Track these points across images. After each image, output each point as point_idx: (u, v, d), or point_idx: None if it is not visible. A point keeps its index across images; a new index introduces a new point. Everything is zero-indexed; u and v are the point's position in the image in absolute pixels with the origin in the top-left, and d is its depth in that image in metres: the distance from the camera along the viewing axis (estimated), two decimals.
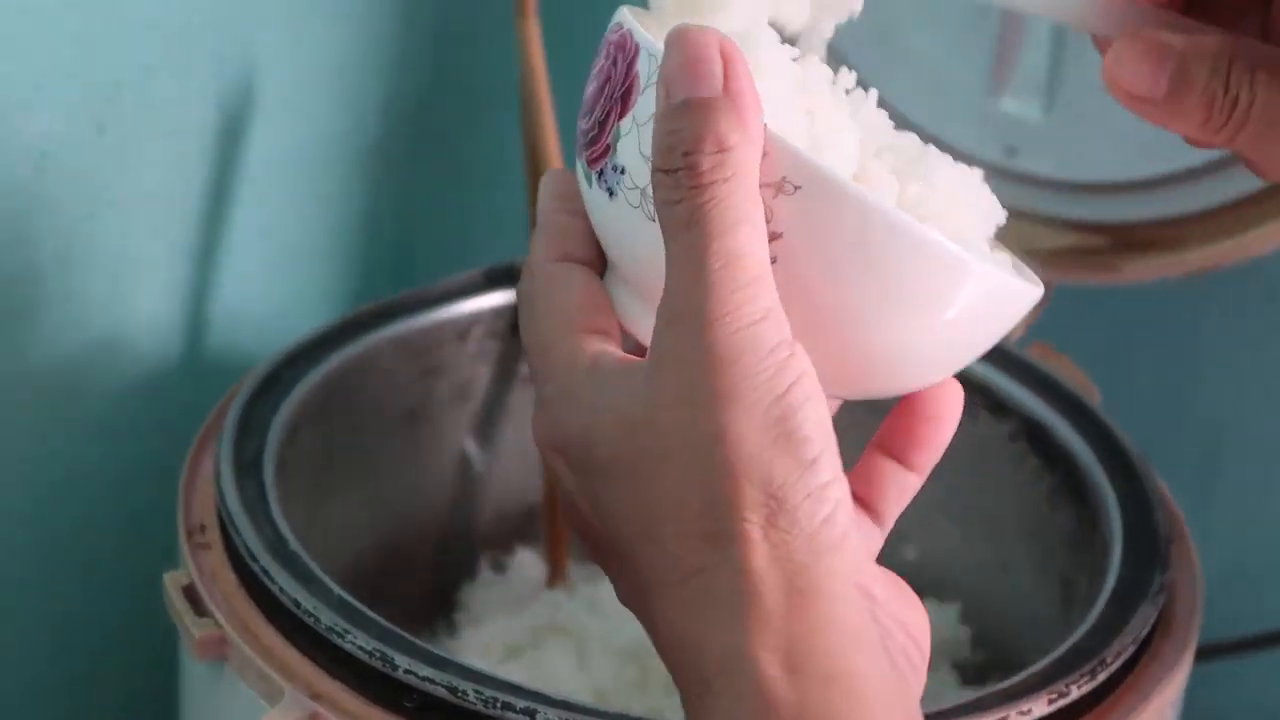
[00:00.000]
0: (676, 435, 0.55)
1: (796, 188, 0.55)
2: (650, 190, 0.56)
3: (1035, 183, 0.97)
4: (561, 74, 0.99)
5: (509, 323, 1.02)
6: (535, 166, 0.99)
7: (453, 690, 0.76)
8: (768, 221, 0.55)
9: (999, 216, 0.60)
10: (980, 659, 0.99)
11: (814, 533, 0.55)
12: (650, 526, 0.56)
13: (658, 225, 0.56)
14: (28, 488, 1.00)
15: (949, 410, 0.61)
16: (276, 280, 1.07)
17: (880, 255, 0.55)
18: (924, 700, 0.93)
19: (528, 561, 1.06)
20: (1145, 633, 0.82)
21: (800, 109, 0.58)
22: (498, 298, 1.02)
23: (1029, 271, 0.61)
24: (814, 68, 0.60)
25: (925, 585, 1.00)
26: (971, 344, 0.59)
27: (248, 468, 0.87)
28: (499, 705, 0.75)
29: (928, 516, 0.93)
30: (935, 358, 0.59)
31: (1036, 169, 0.97)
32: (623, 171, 0.58)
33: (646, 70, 0.57)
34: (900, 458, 0.62)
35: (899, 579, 0.59)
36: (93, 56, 0.93)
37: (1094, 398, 0.97)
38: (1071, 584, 0.93)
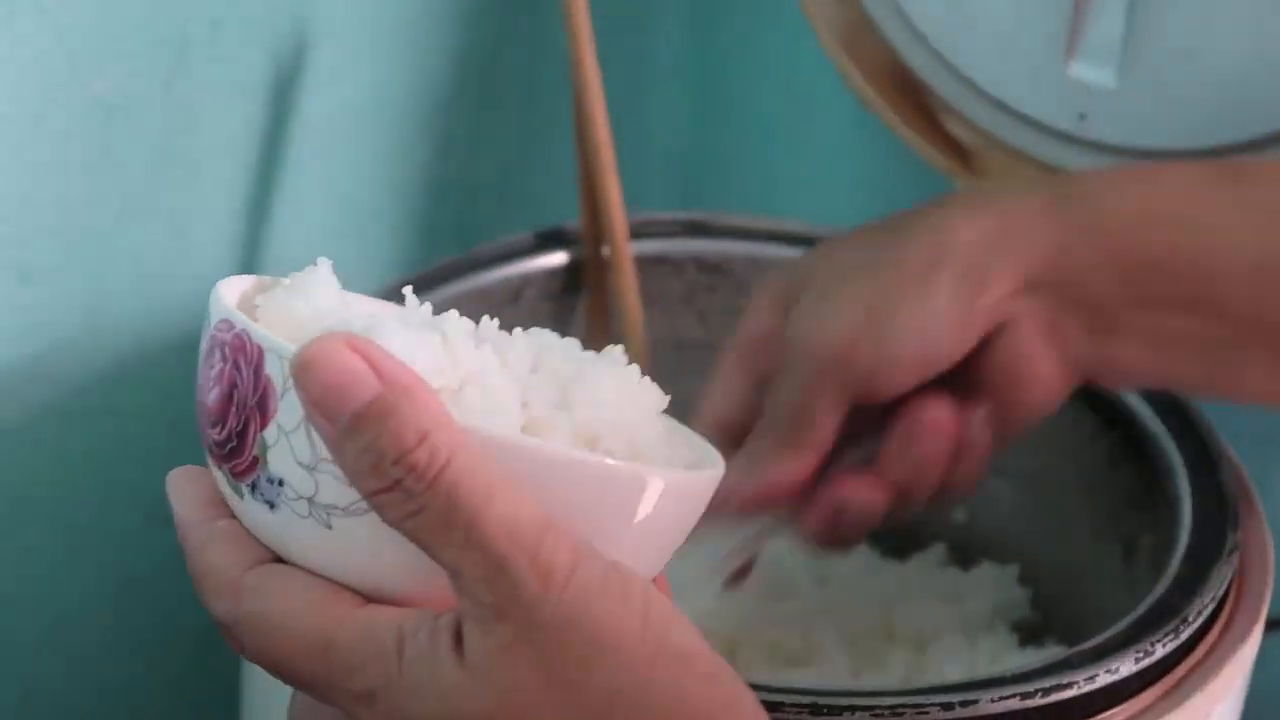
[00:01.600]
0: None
1: None
2: (320, 497, 0.53)
3: (1106, 150, 0.97)
4: (608, 35, 0.99)
5: (562, 283, 1.02)
6: (583, 131, 0.99)
7: None
8: None
9: (661, 402, 0.60)
10: (1037, 620, 0.99)
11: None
12: None
13: (335, 530, 0.53)
14: (87, 439, 1.00)
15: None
16: (338, 239, 1.07)
17: (577, 495, 0.54)
18: (983, 661, 0.93)
19: None
20: (1223, 591, 0.82)
21: (452, 384, 0.55)
22: (550, 259, 1.02)
23: (707, 446, 0.62)
24: (450, 326, 0.57)
25: (979, 547, 1.01)
26: (668, 542, 0.59)
27: None
28: None
29: (980, 480, 0.92)
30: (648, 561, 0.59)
31: (1107, 136, 0.97)
32: (281, 483, 0.54)
33: (279, 373, 0.53)
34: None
35: None
36: (160, 11, 0.93)
37: None
38: (1134, 544, 0.93)
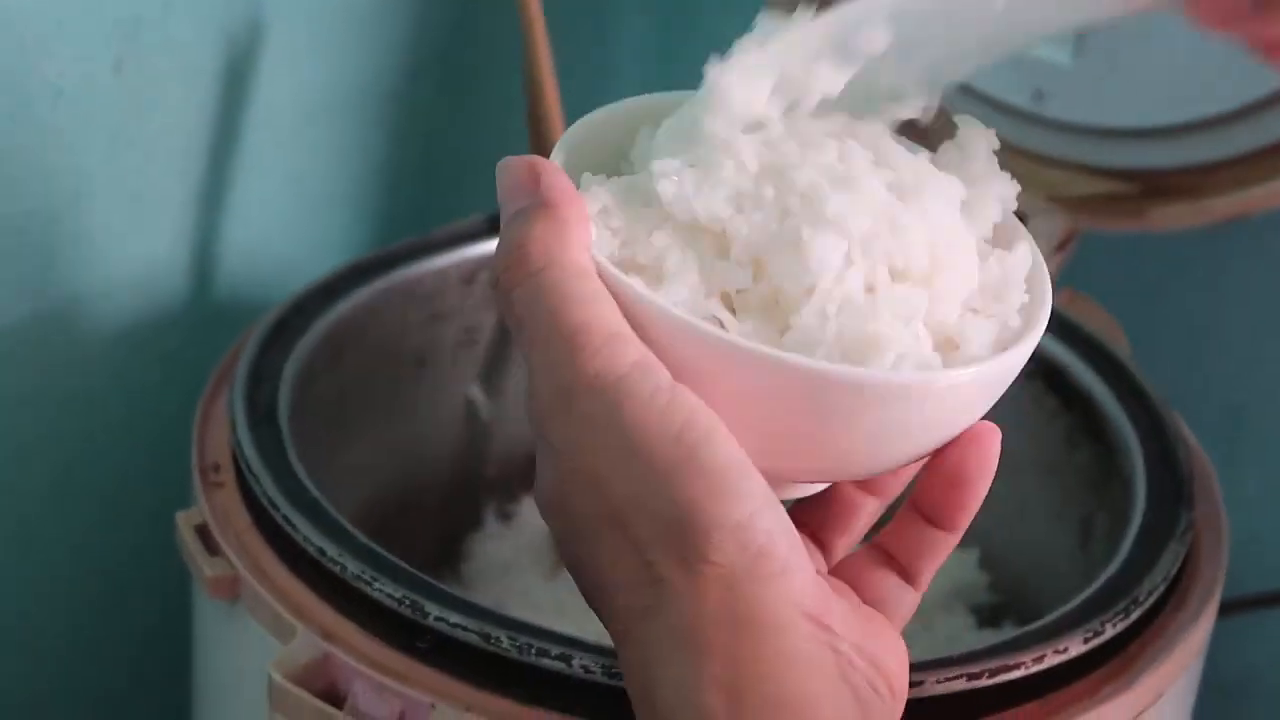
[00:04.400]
0: (588, 509, 0.57)
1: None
2: None
3: (1064, 128, 0.97)
4: (568, 25, 0.98)
5: None
6: (535, 113, 0.98)
7: (485, 637, 0.75)
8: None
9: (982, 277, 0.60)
10: (995, 601, 0.99)
11: (749, 564, 0.55)
12: (601, 584, 0.58)
13: None
14: (39, 425, 0.99)
15: (978, 472, 0.61)
16: (294, 222, 1.06)
17: (789, 400, 0.56)
18: (940, 644, 0.93)
19: (533, 510, 1.05)
20: (1174, 571, 0.81)
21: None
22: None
23: (1028, 328, 0.60)
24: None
25: None
26: (935, 427, 0.59)
27: (262, 415, 0.86)
28: (533, 651, 0.74)
29: None
30: (897, 450, 0.59)
31: (1065, 114, 0.96)
32: None
33: None
34: (933, 519, 0.62)
35: (874, 613, 0.60)
36: None
37: (1120, 340, 0.96)
38: (1090, 524, 0.92)
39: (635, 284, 0.57)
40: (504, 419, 1.04)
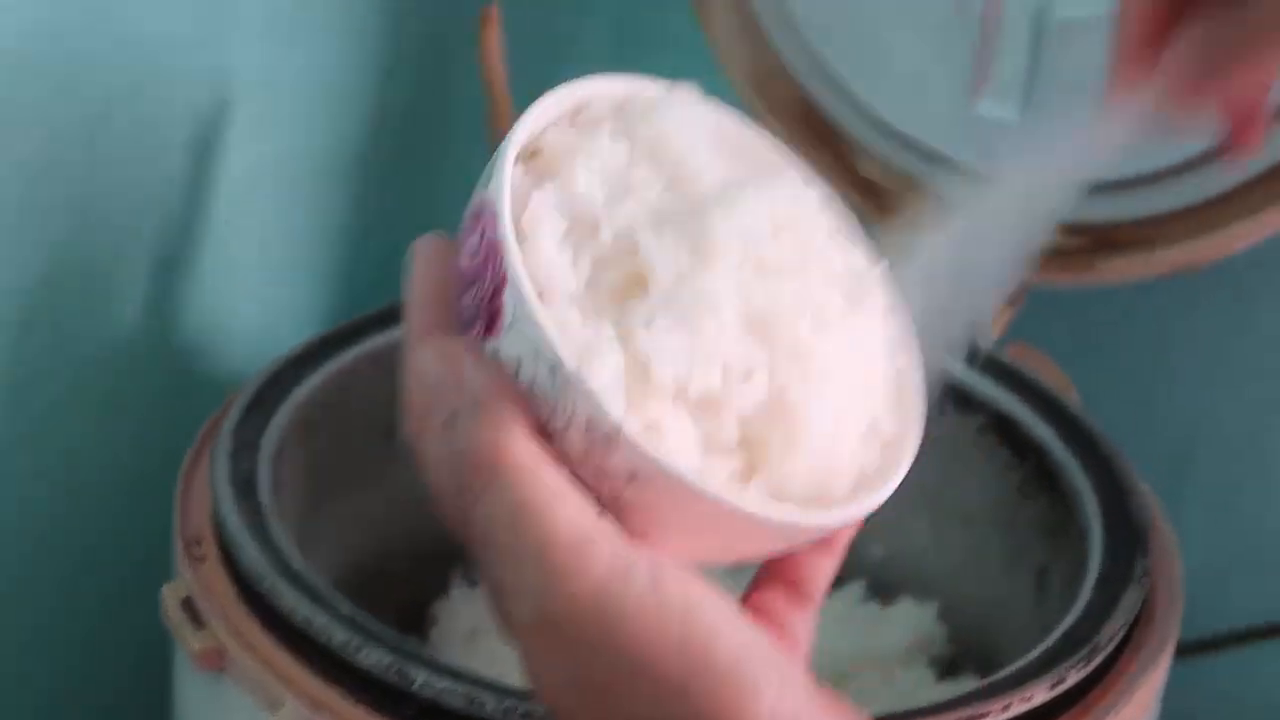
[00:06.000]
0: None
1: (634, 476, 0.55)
2: None
3: None
4: (523, 77, 1.00)
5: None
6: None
7: (470, 700, 0.77)
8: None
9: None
10: (953, 652, 1.01)
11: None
12: None
13: None
14: (19, 504, 1.01)
15: (832, 541, 0.60)
16: (263, 289, 1.08)
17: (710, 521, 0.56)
18: (901, 697, 0.95)
19: None
20: (1134, 616, 0.84)
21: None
22: None
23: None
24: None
25: (897, 583, 1.02)
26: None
27: (243, 488, 0.88)
28: (519, 714, 0.76)
29: (897, 514, 0.94)
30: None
31: None
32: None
33: (512, 306, 0.55)
34: (795, 591, 0.59)
35: None
36: (84, 74, 0.94)
37: (1070, 393, 0.99)
38: (1046, 573, 0.94)
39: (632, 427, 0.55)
40: None
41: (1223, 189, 0.94)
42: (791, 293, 0.57)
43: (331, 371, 0.97)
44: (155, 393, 1.04)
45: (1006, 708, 0.78)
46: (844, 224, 0.61)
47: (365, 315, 1.01)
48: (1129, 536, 0.88)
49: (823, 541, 0.60)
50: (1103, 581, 0.85)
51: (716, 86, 1.05)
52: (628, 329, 0.55)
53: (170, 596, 0.85)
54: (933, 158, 1.01)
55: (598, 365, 0.54)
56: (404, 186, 1.13)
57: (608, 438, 0.54)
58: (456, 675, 0.78)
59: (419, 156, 1.13)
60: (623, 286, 0.57)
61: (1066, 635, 0.82)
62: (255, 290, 1.07)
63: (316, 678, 0.80)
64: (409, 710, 0.78)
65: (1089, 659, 0.81)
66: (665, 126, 0.60)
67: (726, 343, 0.56)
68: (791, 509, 0.56)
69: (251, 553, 0.84)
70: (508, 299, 0.55)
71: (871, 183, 1.04)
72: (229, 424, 0.91)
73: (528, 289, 0.55)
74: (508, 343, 0.55)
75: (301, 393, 0.95)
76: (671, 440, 0.55)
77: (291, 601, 0.82)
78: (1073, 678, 0.80)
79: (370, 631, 0.80)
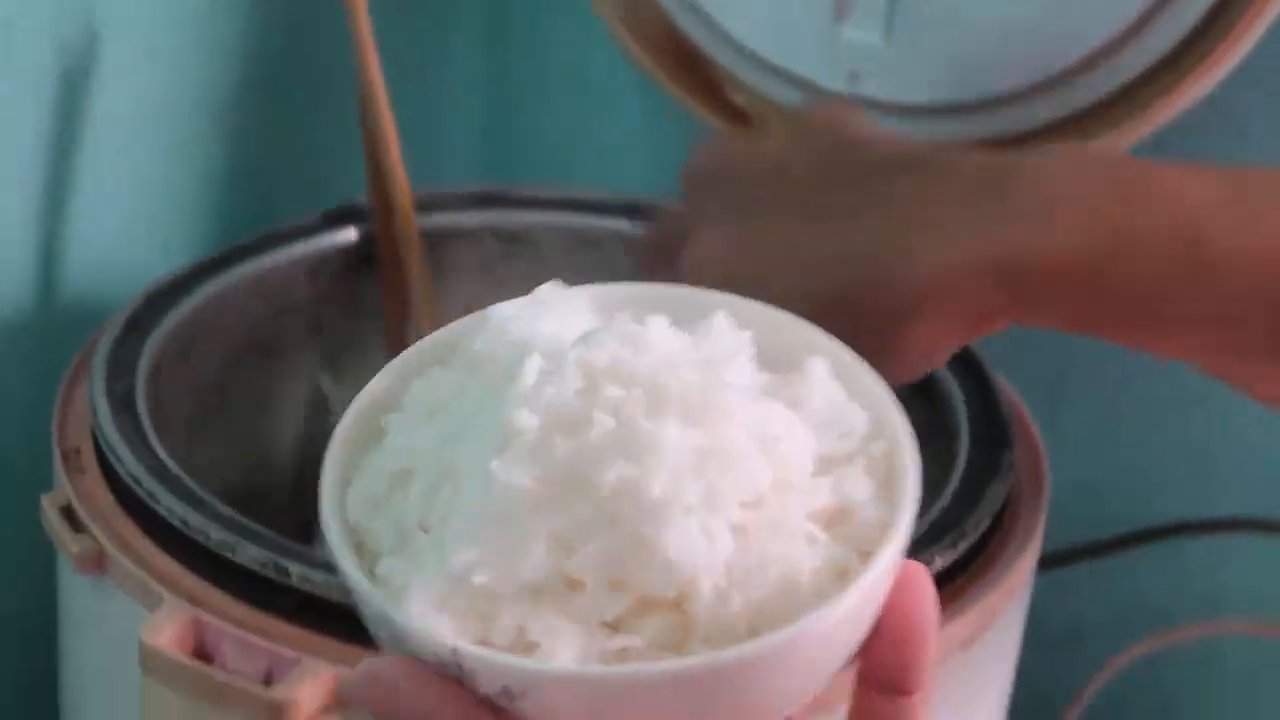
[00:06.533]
0: None
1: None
2: None
3: (879, 107, 1.01)
4: (400, 15, 1.00)
5: (356, 260, 1.05)
6: (365, 104, 1.02)
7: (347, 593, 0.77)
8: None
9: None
10: None
11: None
12: None
13: None
14: None
15: (920, 617, 0.52)
16: (137, 226, 1.08)
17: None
18: None
19: None
20: (999, 506, 0.86)
21: None
22: (341, 236, 1.05)
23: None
24: None
25: None
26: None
27: (121, 404, 0.89)
28: None
29: None
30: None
31: (878, 94, 1.00)
32: None
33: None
34: (892, 689, 0.52)
35: None
36: None
37: None
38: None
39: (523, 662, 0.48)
40: None
41: (1073, 109, 0.96)
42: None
43: (209, 294, 0.98)
44: (34, 324, 1.04)
45: None
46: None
47: (237, 244, 1.02)
48: (996, 434, 0.90)
49: (890, 628, 0.51)
50: (969, 476, 0.87)
51: (593, 21, 1.07)
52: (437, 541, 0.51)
53: (50, 505, 0.86)
54: (800, 83, 1.02)
55: (414, 594, 0.51)
56: (275, 120, 1.14)
57: (457, 665, 0.49)
58: (333, 569, 0.78)
59: (289, 90, 1.14)
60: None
61: (934, 524, 0.84)
62: (128, 226, 1.08)
63: (195, 576, 0.81)
64: (287, 604, 0.79)
65: (954, 545, 0.83)
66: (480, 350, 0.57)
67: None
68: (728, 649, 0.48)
69: (128, 458, 0.85)
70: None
71: (740, 110, 1.05)
72: (105, 343, 0.92)
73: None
74: (389, 650, 0.52)
75: (177, 315, 0.96)
76: (539, 639, 0.49)
77: (168, 503, 0.82)
78: (938, 562, 0.82)
79: (247, 529, 0.81)
